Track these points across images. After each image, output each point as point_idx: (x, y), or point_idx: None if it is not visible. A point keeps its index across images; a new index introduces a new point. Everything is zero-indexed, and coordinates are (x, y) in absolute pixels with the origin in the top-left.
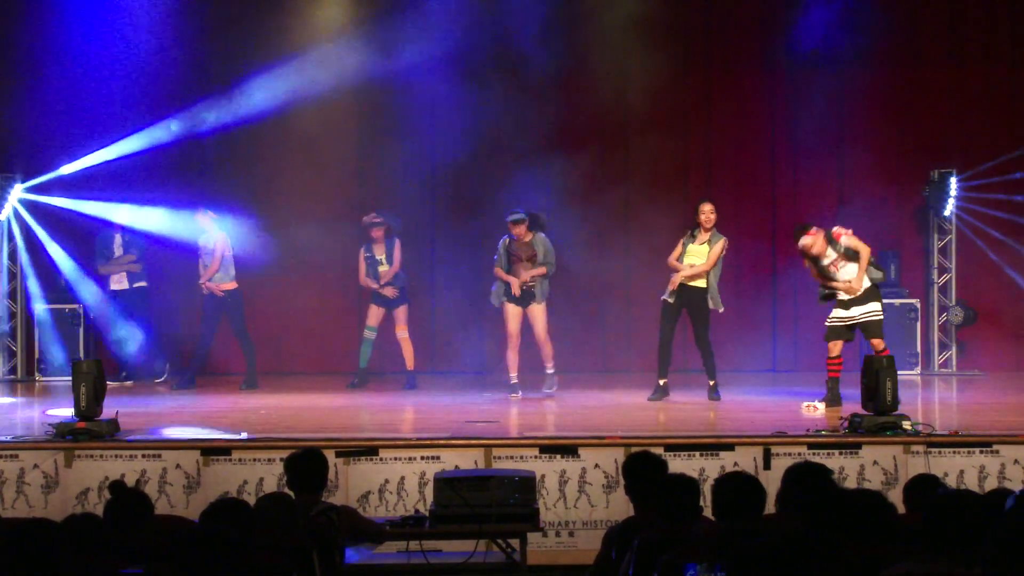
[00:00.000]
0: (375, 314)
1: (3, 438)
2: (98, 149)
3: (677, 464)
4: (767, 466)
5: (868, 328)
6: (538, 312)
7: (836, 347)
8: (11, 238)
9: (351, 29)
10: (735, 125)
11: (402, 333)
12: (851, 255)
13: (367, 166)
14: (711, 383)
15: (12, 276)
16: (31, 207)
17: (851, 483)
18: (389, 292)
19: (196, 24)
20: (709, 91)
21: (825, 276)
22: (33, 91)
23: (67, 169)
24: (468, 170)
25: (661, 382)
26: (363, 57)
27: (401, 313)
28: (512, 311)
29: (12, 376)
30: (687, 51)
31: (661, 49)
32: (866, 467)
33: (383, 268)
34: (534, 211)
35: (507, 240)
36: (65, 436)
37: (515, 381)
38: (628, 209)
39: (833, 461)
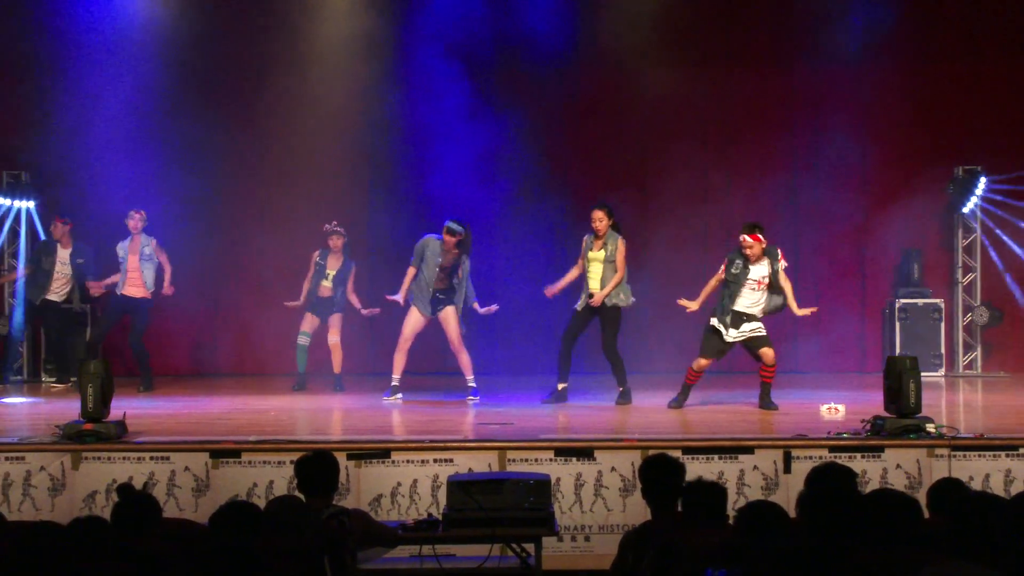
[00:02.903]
0: (311, 321)
1: (9, 440)
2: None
3: (695, 467)
4: (787, 469)
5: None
6: (450, 317)
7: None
8: (16, 238)
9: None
10: (754, 123)
11: (334, 338)
12: (775, 286)
13: (362, 168)
14: (620, 389)
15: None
16: None
17: (874, 487)
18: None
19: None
20: (727, 89)
21: (732, 286)
22: None
23: None
24: (481, 171)
25: (560, 387)
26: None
27: (336, 320)
28: (415, 315)
29: (19, 377)
30: (705, 49)
31: (678, 47)
32: (889, 470)
33: (326, 283)
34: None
35: (437, 242)
36: (72, 438)
37: (396, 383)
38: (645, 209)
39: (855, 464)
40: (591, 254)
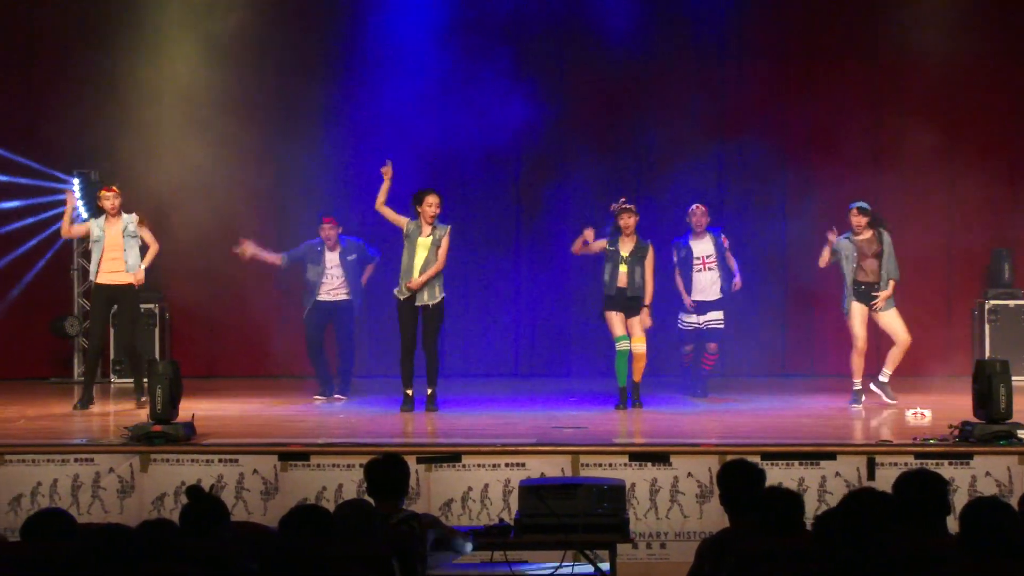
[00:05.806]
0: (620, 319)
1: (79, 441)
2: None
3: (775, 473)
4: (871, 476)
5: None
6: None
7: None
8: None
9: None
10: (835, 118)
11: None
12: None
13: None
14: (429, 391)
15: (86, 274)
16: None
17: (962, 495)
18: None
19: None
20: (807, 85)
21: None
22: None
23: None
24: (549, 168)
25: (408, 392)
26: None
27: (638, 321)
28: (859, 310)
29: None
30: (786, 42)
31: (759, 41)
32: (978, 478)
33: (623, 269)
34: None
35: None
36: (141, 440)
37: (859, 387)
38: (725, 204)
39: (942, 471)
40: (420, 239)
